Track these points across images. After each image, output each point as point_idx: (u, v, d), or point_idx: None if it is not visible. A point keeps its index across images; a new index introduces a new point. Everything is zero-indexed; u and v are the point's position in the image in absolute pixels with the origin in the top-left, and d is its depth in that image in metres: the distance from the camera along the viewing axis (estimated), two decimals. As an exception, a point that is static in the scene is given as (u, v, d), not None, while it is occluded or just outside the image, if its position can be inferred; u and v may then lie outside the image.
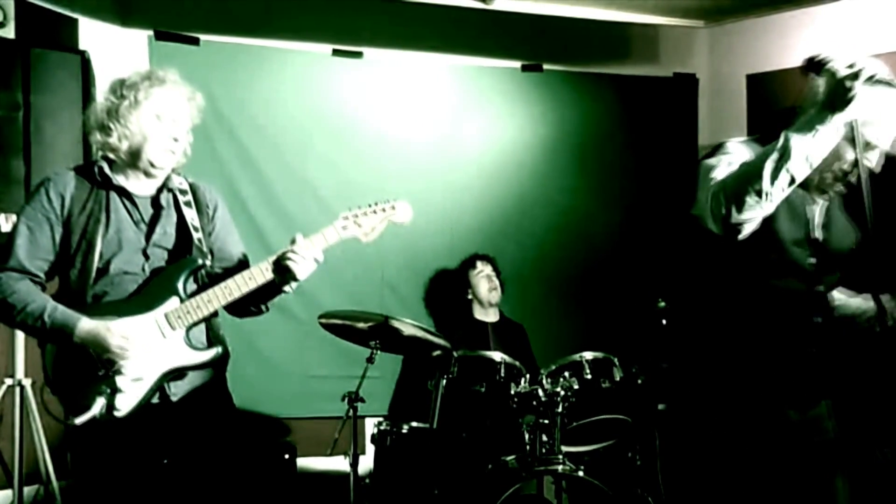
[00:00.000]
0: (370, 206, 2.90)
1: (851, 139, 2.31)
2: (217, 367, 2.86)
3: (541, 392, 3.78)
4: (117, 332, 2.63)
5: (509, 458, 3.87)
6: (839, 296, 2.68)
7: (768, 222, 2.43)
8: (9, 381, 4.10)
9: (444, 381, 4.05)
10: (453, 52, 5.41)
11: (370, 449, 4.14)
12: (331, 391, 4.25)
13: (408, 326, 3.98)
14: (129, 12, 4.83)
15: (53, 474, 4.14)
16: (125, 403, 2.65)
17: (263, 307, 2.97)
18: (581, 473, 3.62)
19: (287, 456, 4.51)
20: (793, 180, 2.32)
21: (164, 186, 2.84)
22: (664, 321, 4.42)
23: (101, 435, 2.66)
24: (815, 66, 2.30)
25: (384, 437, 4.02)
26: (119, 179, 2.79)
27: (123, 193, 2.79)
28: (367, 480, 4.17)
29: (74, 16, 4.58)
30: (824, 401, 2.63)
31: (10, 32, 4.18)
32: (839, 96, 2.24)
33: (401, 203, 2.93)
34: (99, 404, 2.61)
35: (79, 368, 2.65)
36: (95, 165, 2.79)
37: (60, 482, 4.17)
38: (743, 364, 2.57)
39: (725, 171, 2.42)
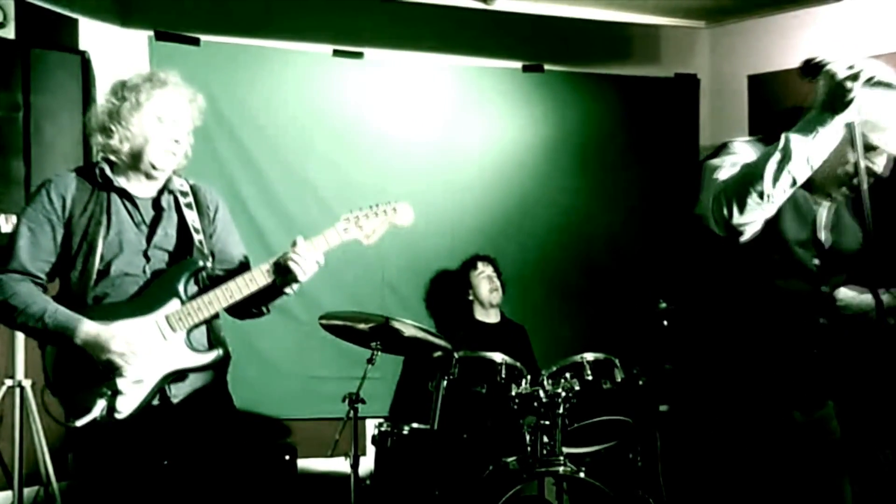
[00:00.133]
0: (371, 207, 2.90)
1: (851, 141, 2.30)
2: (218, 368, 2.85)
3: (542, 393, 3.78)
4: (121, 337, 2.62)
5: (510, 459, 3.86)
6: (847, 292, 2.67)
7: (773, 223, 2.42)
8: (9, 382, 4.09)
9: (445, 382, 4.04)
10: (454, 53, 5.41)
11: (371, 450, 4.14)
12: (331, 392, 4.24)
13: (408, 327, 3.98)
14: (130, 12, 4.82)
15: (53, 475, 4.14)
16: (126, 405, 2.65)
17: (265, 309, 2.97)
18: (582, 475, 3.62)
19: (288, 457, 4.50)
20: (794, 182, 2.31)
21: (165, 188, 2.84)
22: (665, 322, 4.42)
23: (102, 436, 2.66)
24: (811, 68, 2.30)
25: (385, 438, 4.02)
26: (120, 181, 2.79)
27: (124, 195, 2.78)
28: (368, 481, 4.17)
29: (74, 16, 4.57)
30: (829, 402, 2.63)
31: (10, 33, 4.18)
32: (838, 98, 2.24)
33: (402, 205, 2.93)
34: (99, 406, 2.62)
35: (79, 370, 2.64)
36: (96, 167, 2.78)
37: (61, 483, 4.16)
38: (747, 365, 2.57)
39: (729, 172, 2.41)
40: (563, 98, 5.55)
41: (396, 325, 3.94)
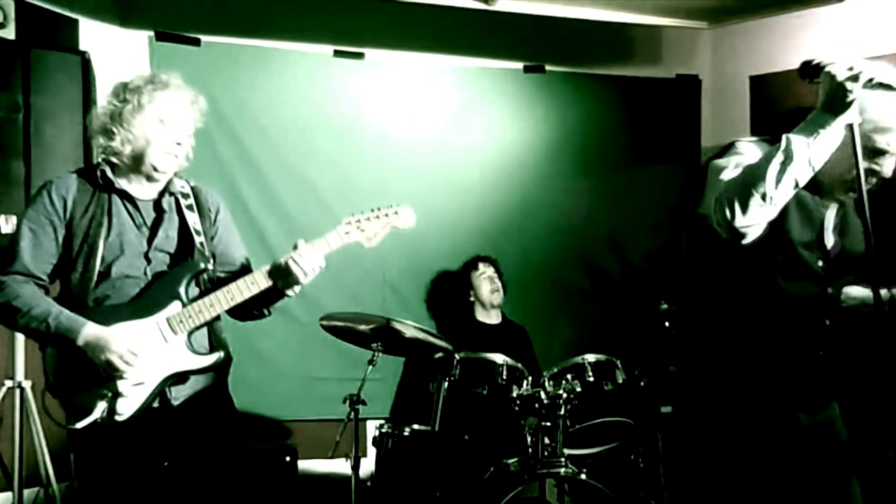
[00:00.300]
0: (373, 210, 2.90)
1: (852, 142, 2.29)
2: (219, 371, 2.84)
3: (543, 394, 3.78)
4: (122, 338, 2.62)
5: (511, 460, 3.86)
6: (852, 289, 2.66)
7: (779, 225, 2.41)
8: (9, 384, 4.08)
9: (446, 384, 4.03)
10: (455, 53, 5.40)
11: (372, 451, 4.14)
12: (332, 393, 4.24)
13: (409, 328, 3.97)
14: (130, 13, 4.81)
15: (54, 477, 4.13)
16: (126, 408, 2.65)
17: (266, 311, 2.97)
18: (583, 476, 3.63)
19: (288, 458, 4.50)
20: (796, 183, 2.31)
21: (167, 190, 2.83)
22: (667, 323, 4.41)
23: (103, 438, 2.66)
24: (810, 70, 2.30)
25: (386, 439, 4.01)
26: (121, 183, 2.78)
27: (125, 197, 2.78)
28: (369, 483, 4.16)
29: (74, 16, 4.56)
30: (834, 404, 2.62)
31: (10, 33, 4.17)
32: (838, 99, 2.23)
33: (404, 208, 2.93)
34: (100, 408, 2.61)
35: (80, 372, 2.63)
36: (98, 169, 2.78)
37: (61, 485, 4.16)
38: (751, 367, 2.56)
39: (733, 173, 2.40)
40: (565, 99, 5.54)
41: (397, 326, 3.94)
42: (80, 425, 2.59)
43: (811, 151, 2.27)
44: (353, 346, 4.14)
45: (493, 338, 4.89)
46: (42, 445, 4.10)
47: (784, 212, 2.39)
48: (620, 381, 4.05)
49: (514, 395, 3.92)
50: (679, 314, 4.33)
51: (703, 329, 2.70)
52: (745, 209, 2.30)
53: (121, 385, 2.63)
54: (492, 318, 5.09)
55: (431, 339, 4.05)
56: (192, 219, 2.84)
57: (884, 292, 2.37)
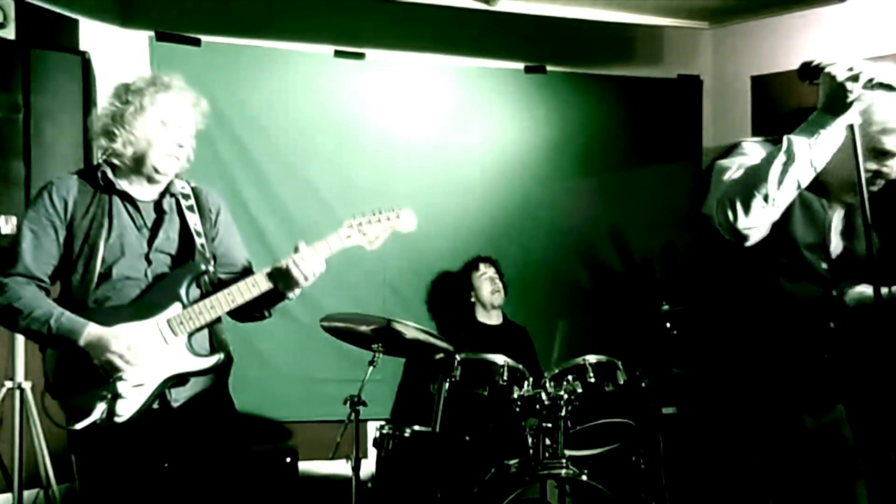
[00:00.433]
0: (374, 213, 2.90)
1: (853, 144, 2.28)
2: (219, 372, 2.83)
3: (544, 395, 3.78)
4: (123, 338, 2.61)
5: (512, 461, 3.85)
6: (856, 288, 2.64)
7: (782, 226, 2.40)
8: (9, 384, 4.08)
9: (447, 385, 4.03)
10: (456, 54, 5.40)
11: (372, 452, 4.13)
12: (333, 394, 4.24)
13: (410, 329, 3.97)
14: (130, 13, 4.81)
15: (53, 478, 4.12)
16: (126, 409, 2.64)
17: (266, 313, 2.97)
18: (584, 477, 3.62)
19: (289, 460, 4.49)
20: (799, 185, 2.30)
21: (167, 191, 2.83)
22: (668, 324, 4.40)
23: (103, 440, 2.65)
24: (810, 72, 2.30)
25: (386, 440, 4.01)
26: (122, 184, 2.77)
27: (126, 198, 2.77)
28: (370, 484, 4.16)
29: (75, 16, 4.56)
30: (840, 406, 2.61)
31: (10, 33, 4.16)
32: (839, 99, 2.23)
33: (405, 211, 2.94)
34: (99, 409, 2.60)
35: (79, 374, 2.63)
36: (99, 170, 2.77)
37: (61, 486, 4.15)
38: (755, 369, 2.55)
39: (737, 174, 2.40)
40: (566, 99, 5.54)
41: (398, 326, 3.94)
42: (79, 426, 2.58)
43: (812, 152, 2.27)
44: (354, 347, 4.14)
45: (493, 339, 4.88)
46: (42, 447, 4.09)
47: (788, 213, 2.38)
48: (622, 382, 4.04)
49: (515, 396, 3.91)
50: (682, 315, 4.33)
51: (707, 330, 2.69)
52: (747, 210, 2.29)
53: (120, 386, 2.62)
54: (492, 318, 5.08)
55: (432, 340, 4.04)
56: (193, 220, 2.83)
57: (884, 291, 2.36)
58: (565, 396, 3.76)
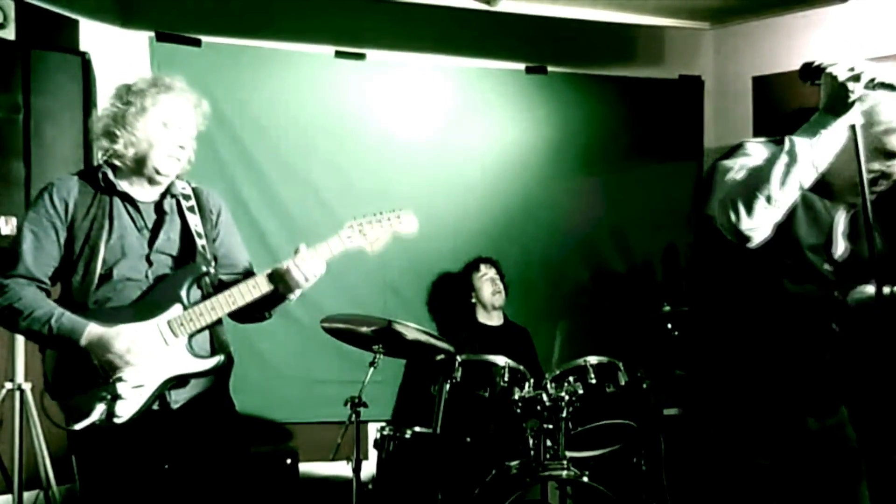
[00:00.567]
0: (375, 215, 2.90)
1: (855, 144, 2.28)
2: (220, 374, 2.83)
3: (545, 397, 3.77)
4: (124, 337, 2.61)
5: (513, 463, 3.85)
6: (861, 287, 2.64)
7: (787, 227, 2.40)
8: (9, 385, 4.07)
9: (448, 386, 4.02)
10: (456, 54, 5.39)
11: (373, 454, 4.12)
12: (333, 396, 4.23)
13: (411, 330, 3.97)
14: (131, 13, 4.80)
15: (54, 479, 4.12)
16: (125, 410, 2.63)
17: (267, 314, 2.97)
18: (585, 479, 3.61)
19: (289, 461, 4.48)
20: (801, 186, 2.29)
21: (168, 192, 2.83)
22: (669, 325, 4.40)
23: (102, 441, 2.64)
24: (811, 72, 2.29)
25: (387, 441, 4.00)
26: (123, 185, 2.77)
27: (127, 199, 2.77)
28: (370, 486, 4.15)
29: (75, 17, 4.55)
30: (843, 408, 2.60)
31: (10, 34, 4.15)
32: (840, 99, 2.23)
33: (406, 214, 2.94)
34: (99, 410, 2.59)
35: (79, 374, 2.62)
36: (99, 171, 2.77)
37: (61, 487, 4.14)
38: (759, 370, 2.54)
39: (739, 175, 2.39)
40: (567, 100, 5.53)
41: (398, 327, 3.93)
42: (78, 427, 2.57)
43: (814, 153, 2.26)
44: (355, 348, 4.13)
45: (494, 340, 4.88)
46: (42, 448, 4.09)
47: (791, 214, 2.37)
48: (623, 383, 4.04)
49: (516, 397, 3.91)
50: (683, 316, 4.33)
51: (709, 332, 2.68)
52: (749, 211, 2.28)
53: (120, 387, 2.61)
54: (493, 319, 5.07)
55: (433, 341, 4.04)
56: (194, 221, 2.83)
57: (886, 290, 2.35)
58: (566, 398, 3.75)
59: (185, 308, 2.72)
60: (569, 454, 3.75)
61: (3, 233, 3.94)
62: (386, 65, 5.24)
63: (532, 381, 4.06)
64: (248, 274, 2.88)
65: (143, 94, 2.74)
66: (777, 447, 2.53)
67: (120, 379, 2.61)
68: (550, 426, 3.72)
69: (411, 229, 2.95)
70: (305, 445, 4.78)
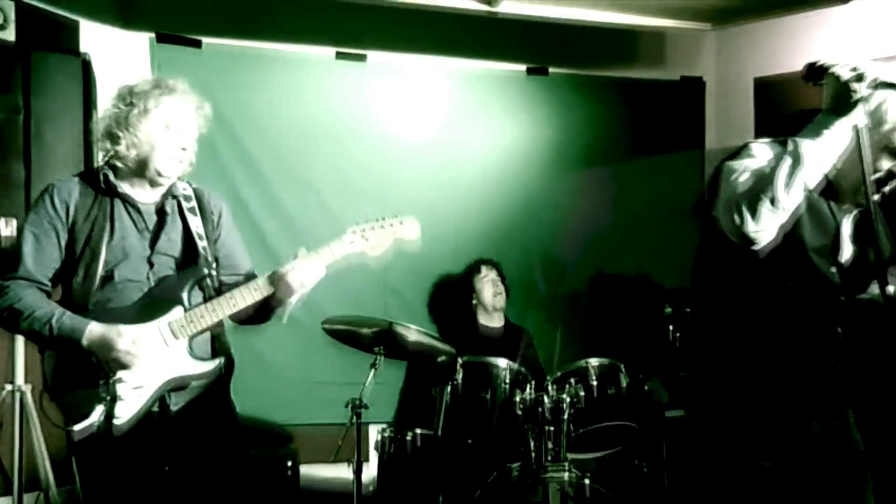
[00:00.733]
0: (377, 220, 2.90)
1: (858, 146, 2.27)
2: (220, 376, 2.82)
3: (546, 399, 3.76)
4: (127, 336, 2.60)
5: (514, 465, 3.83)
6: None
7: (791, 229, 2.38)
8: (8, 387, 4.07)
9: (449, 388, 4.01)
10: (457, 56, 5.39)
11: (374, 456, 4.11)
12: (334, 398, 4.22)
13: (412, 332, 3.97)
14: (131, 15, 4.80)
15: (53, 481, 4.11)
16: (125, 412, 2.62)
17: (267, 317, 2.95)
18: (587, 481, 3.60)
19: (290, 463, 4.47)
20: (806, 187, 2.28)
21: (169, 193, 2.82)
22: (671, 327, 4.39)
23: (103, 443, 2.62)
24: (815, 72, 2.28)
25: (388, 444, 4.00)
26: (124, 187, 2.77)
27: (128, 201, 2.77)
28: (371, 488, 4.14)
29: (75, 18, 4.54)
30: (849, 411, 2.59)
31: (10, 35, 4.15)
32: (843, 100, 2.22)
33: (409, 219, 2.94)
34: (98, 411, 2.58)
35: (79, 375, 2.61)
36: (101, 173, 2.77)
37: (60, 489, 4.13)
38: (762, 373, 2.53)
39: (743, 178, 2.38)
40: (568, 101, 5.53)
41: (400, 329, 3.93)
42: (78, 428, 2.57)
43: (819, 154, 2.25)
44: (356, 350, 4.12)
45: (495, 342, 4.87)
46: (42, 450, 4.08)
47: (799, 217, 2.36)
48: (624, 384, 4.03)
49: (518, 399, 3.89)
50: (686, 318, 4.32)
51: (713, 334, 2.67)
52: (754, 214, 2.28)
53: (120, 388, 2.60)
54: (495, 321, 5.06)
55: (434, 343, 4.04)
56: (195, 222, 2.83)
57: (891, 289, 2.35)
58: (568, 399, 3.74)
59: (185, 310, 2.71)
60: (570, 456, 3.73)
61: (4, 234, 3.94)
62: (387, 66, 5.24)
63: (533, 382, 4.04)
64: (249, 276, 2.88)
65: (145, 96, 2.74)
66: (781, 450, 2.52)
67: (120, 380, 2.60)
68: (552, 428, 3.71)
69: (414, 235, 2.95)
70: (306, 447, 4.77)
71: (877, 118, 2.34)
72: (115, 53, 4.64)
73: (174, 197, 2.83)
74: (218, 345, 2.84)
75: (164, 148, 2.73)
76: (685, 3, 5.15)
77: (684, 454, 4.15)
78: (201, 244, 2.80)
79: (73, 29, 4.53)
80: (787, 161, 2.26)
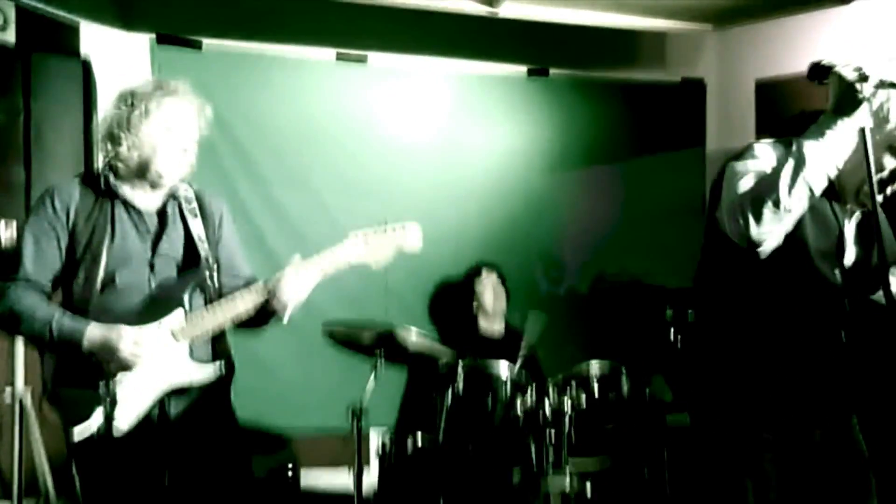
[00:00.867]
0: (380, 225, 2.89)
1: (864, 146, 2.25)
2: (221, 381, 2.81)
3: (547, 403, 3.74)
4: (128, 337, 2.59)
5: (515, 470, 3.82)
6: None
7: (794, 232, 2.37)
8: (8, 390, 4.06)
9: (450, 393, 4.00)
10: (458, 57, 5.38)
11: (374, 461, 4.09)
12: (334, 402, 4.19)
13: (412, 336, 3.95)
14: (131, 16, 4.79)
15: (52, 487, 4.09)
16: (124, 416, 2.61)
17: (266, 322, 2.93)
18: (588, 486, 3.58)
19: (290, 469, 4.46)
20: (810, 189, 2.27)
21: (170, 195, 2.81)
22: (672, 330, 4.38)
23: (102, 448, 2.61)
24: (819, 71, 2.27)
25: (389, 449, 3.98)
26: (124, 190, 2.76)
27: (129, 204, 2.76)
28: (372, 493, 4.12)
29: (75, 19, 4.53)
30: (853, 417, 2.58)
31: (10, 37, 4.15)
32: (847, 100, 2.22)
33: (411, 225, 2.92)
34: (97, 415, 2.57)
35: (78, 379, 2.61)
36: (101, 175, 2.76)
37: (61, 500, 4.12)
38: (765, 378, 2.52)
39: (747, 181, 2.37)
40: (569, 103, 5.52)
41: (401, 334, 3.91)
42: (77, 432, 2.57)
43: (823, 155, 2.24)
44: (356, 355, 4.11)
45: (496, 346, 4.85)
46: (41, 455, 4.07)
47: (802, 221, 2.35)
48: (626, 389, 4.01)
49: (519, 403, 3.88)
50: (688, 322, 4.30)
51: (717, 335, 2.66)
52: (758, 218, 2.27)
53: (119, 392, 2.59)
54: (495, 325, 5.04)
55: (435, 348, 4.02)
56: (196, 224, 2.82)
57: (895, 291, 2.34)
58: (569, 404, 3.73)
59: (186, 314, 2.70)
60: (571, 461, 3.72)
61: (4, 236, 3.93)
62: (388, 69, 5.23)
63: (534, 386, 4.03)
64: (250, 279, 2.88)
65: (146, 98, 2.73)
66: (784, 457, 2.51)
67: (119, 384, 2.59)
68: (553, 433, 3.70)
69: (415, 243, 2.91)
70: (306, 452, 4.76)
71: (880, 118, 2.34)
72: (116, 55, 4.64)
73: (175, 199, 2.82)
74: (218, 347, 2.83)
75: (165, 150, 2.72)
76: (686, 4, 5.14)
77: (686, 459, 4.14)
78: (202, 246, 2.79)
79: (74, 30, 4.53)
80: (790, 163, 2.25)
